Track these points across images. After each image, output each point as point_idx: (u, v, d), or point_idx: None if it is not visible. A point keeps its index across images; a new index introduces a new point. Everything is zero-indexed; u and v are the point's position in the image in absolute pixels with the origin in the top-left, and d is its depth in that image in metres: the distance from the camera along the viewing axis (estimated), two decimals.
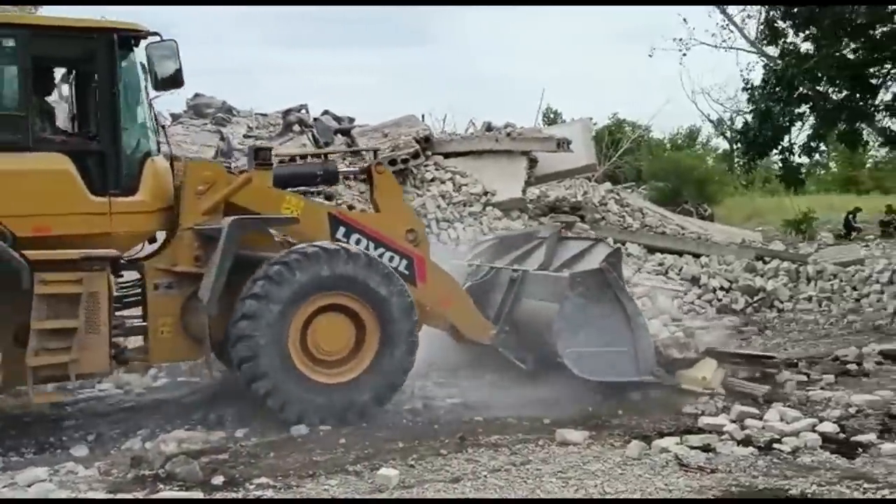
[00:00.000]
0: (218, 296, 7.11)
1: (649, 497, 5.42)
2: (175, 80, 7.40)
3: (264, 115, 18.05)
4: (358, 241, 8.04)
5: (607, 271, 8.15)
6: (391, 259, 8.10)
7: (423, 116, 17.66)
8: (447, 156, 16.40)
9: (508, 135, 17.12)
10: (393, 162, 14.78)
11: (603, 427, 7.15)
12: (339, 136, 16.57)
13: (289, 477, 5.95)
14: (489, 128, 18.11)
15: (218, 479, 5.85)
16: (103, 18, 7.45)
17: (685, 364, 8.42)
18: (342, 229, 8.12)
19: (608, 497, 5.45)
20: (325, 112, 17.60)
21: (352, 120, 17.65)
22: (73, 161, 7.14)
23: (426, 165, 15.86)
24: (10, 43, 7.08)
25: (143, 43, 7.43)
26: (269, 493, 5.63)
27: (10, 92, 7.23)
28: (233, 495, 5.62)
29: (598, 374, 7.94)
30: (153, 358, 7.67)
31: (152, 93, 7.84)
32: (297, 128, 16.22)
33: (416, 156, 15.32)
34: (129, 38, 7.38)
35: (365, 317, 7.53)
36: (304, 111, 17.03)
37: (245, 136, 15.97)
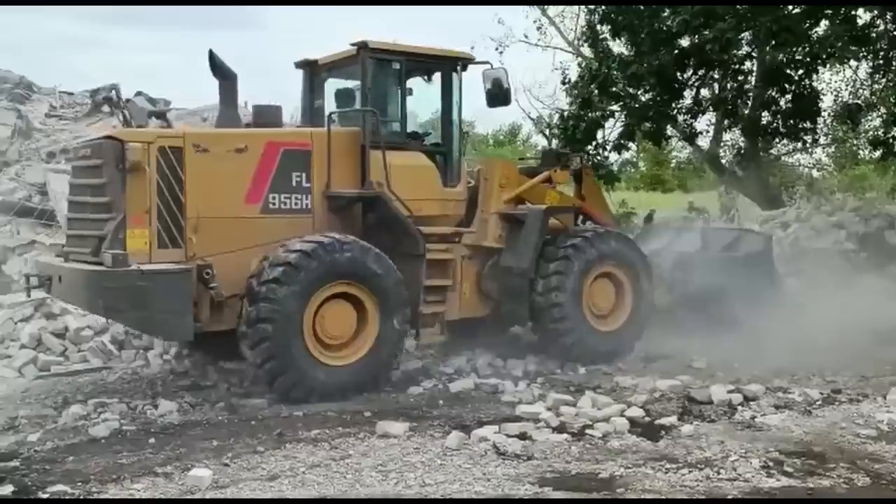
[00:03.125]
0: (534, 264, 9.26)
1: (468, 487, 5.46)
2: (504, 100, 9.29)
3: (70, 93, 16.78)
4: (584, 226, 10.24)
5: (767, 253, 10.97)
6: None
7: (245, 102, 16.98)
8: None
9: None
10: None
11: (424, 418, 7.17)
12: (154, 118, 15.63)
13: (89, 482, 5.54)
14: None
15: (6, 489, 5.35)
16: (446, 48, 9.26)
17: None
18: (581, 216, 10.38)
19: (428, 487, 5.45)
20: (139, 93, 16.56)
21: (168, 102, 16.71)
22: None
23: None
24: (397, 66, 8.94)
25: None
26: None
27: (396, 104, 9.08)
28: None
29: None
30: (447, 313, 9.14)
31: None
32: (106, 108, 15.18)
33: None
34: (466, 63, 9.28)
35: (624, 280, 9.73)
36: (114, 91, 15.95)
37: (47, 116, 14.80)
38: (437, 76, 9.31)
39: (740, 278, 10.22)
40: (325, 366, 7.65)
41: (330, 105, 9.45)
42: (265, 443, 6.38)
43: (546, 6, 21.99)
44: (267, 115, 8.67)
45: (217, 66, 8.46)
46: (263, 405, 7.59)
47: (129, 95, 16.08)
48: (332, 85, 9.63)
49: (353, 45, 8.70)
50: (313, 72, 9.64)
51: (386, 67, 8.96)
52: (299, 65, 9.66)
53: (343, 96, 9.30)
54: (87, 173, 7.80)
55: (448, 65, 9.22)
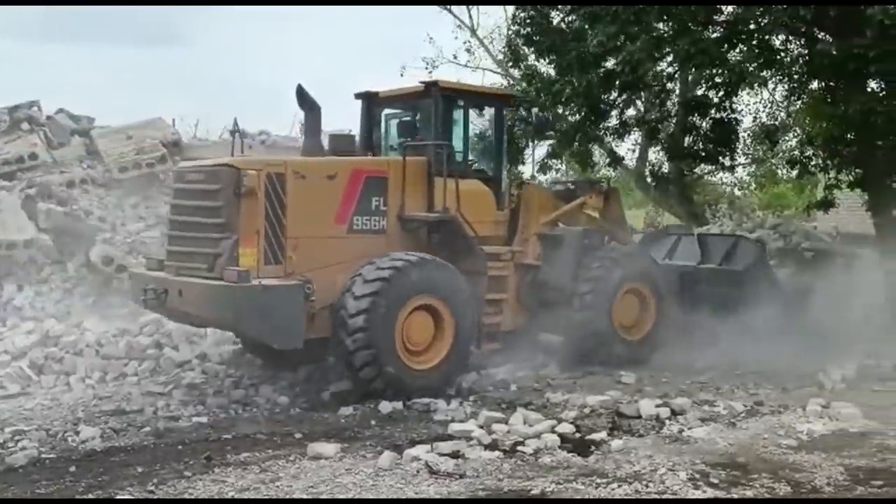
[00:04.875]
0: (571, 280, 10.20)
1: None
2: (545, 130, 11.71)
3: None
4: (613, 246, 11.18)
5: (765, 261, 11.94)
6: None
7: (173, 121, 16.66)
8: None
9: (262, 142, 16.68)
10: (137, 166, 13.94)
11: (355, 438, 7.10)
12: (76, 136, 15.24)
13: None
14: (242, 135, 17.50)
15: None
16: (496, 85, 10.31)
17: None
18: (606, 238, 11.17)
19: None
20: (60, 110, 16.10)
21: (91, 120, 16.28)
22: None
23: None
24: (461, 103, 10.16)
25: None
26: None
27: (459, 138, 10.14)
28: None
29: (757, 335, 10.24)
30: (502, 324, 10.06)
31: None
32: (26, 126, 14.69)
33: (162, 160, 14.46)
34: (513, 100, 10.88)
35: (647, 295, 10.67)
36: (34, 108, 15.47)
37: None
38: (488, 110, 10.51)
39: (742, 289, 10.96)
40: (410, 369, 8.46)
41: (388, 133, 10.58)
42: (192, 467, 6.23)
43: (476, 27, 22.25)
44: (343, 143, 9.66)
45: (304, 99, 9.25)
46: (190, 429, 7.42)
47: (50, 112, 15.64)
48: (388, 116, 10.61)
49: (422, 83, 9.96)
50: (371, 103, 10.49)
51: (452, 103, 10.00)
52: (359, 96, 10.48)
53: (404, 127, 10.27)
54: (201, 196, 8.47)
55: (501, 102, 10.58)
